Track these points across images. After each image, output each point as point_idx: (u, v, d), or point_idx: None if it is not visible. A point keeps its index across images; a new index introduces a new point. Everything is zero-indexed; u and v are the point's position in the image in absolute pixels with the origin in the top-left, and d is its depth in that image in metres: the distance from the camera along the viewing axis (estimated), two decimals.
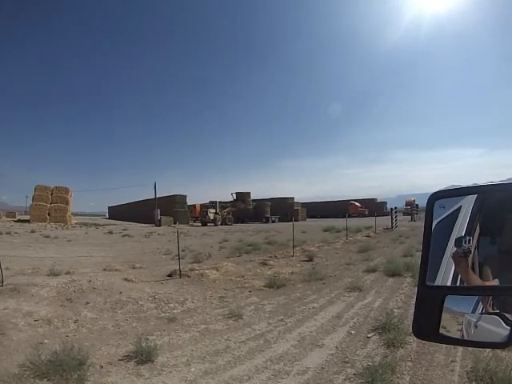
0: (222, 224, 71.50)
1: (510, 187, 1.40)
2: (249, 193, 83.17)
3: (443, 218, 1.56)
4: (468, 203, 1.51)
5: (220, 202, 79.15)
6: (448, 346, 7.30)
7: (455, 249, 1.48)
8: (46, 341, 8.82)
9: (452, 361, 7.29)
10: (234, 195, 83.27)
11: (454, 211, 1.54)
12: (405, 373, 6.98)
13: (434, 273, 1.51)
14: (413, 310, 1.59)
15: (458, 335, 1.50)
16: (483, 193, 1.50)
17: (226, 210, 77.32)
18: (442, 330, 1.50)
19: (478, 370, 6.47)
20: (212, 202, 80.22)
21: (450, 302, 1.48)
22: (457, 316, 1.49)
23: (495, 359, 6.57)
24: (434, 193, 1.60)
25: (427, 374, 6.92)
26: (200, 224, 75.75)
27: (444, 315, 1.48)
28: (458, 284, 1.48)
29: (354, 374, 6.98)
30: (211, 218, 73.68)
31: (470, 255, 1.46)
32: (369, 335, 9.03)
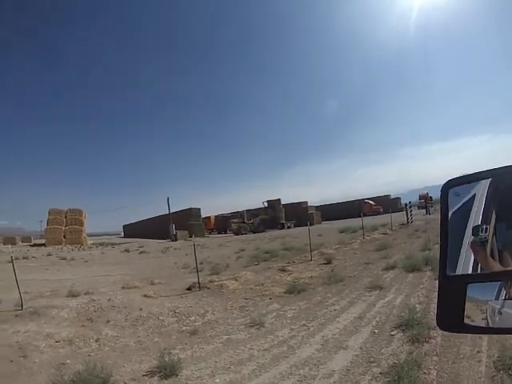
0: (254, 232, 71.31)
1: None
2: (279, 199, 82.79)
3: (459, 207, 1.52)
4: (482, 190, 1.47)
5: (249, 210, 79.31)
6: (473, 336, 7.23)
7: (473, 238, 1.44)
8: (68, 361, 8.84)
9: (478, 351, 7.23)
10: (266, 203, 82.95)
11: (468, 199, 1.50)
12: (431, 367, 6.92)
13: (454, 262, 1.47)
14: (435, 304, 1.55)
15: (483, 323, 1.45)
16: (496, 176, 1.45)
17: (258, 218, 77.30)
18: (466, 320, 1.45)
19: (505, 358, 6.41)
20: (238, 212, 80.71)
21: (472, 291, 1.43)
22: (480, 304, 1.45)
23: None
24: (448, 181, 1.57)
25: (454, 366, 6.86)
26: (213, 235, 76.91)
27: (467, 304, 1.43)
28: (478, 271, 1.43)
29: (381, 373, 6.93)
30: (234, 227, 73.97)
31: (488, 243, 1.41)
32: (392, 333, 8.96)
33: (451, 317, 1.49)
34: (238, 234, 69.94)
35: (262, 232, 70.34)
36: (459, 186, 1.54)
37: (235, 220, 76.95)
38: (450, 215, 1.54)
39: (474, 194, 1.49)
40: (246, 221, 75.58)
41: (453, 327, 1.58)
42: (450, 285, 1.49)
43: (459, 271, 1.45)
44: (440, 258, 1.52)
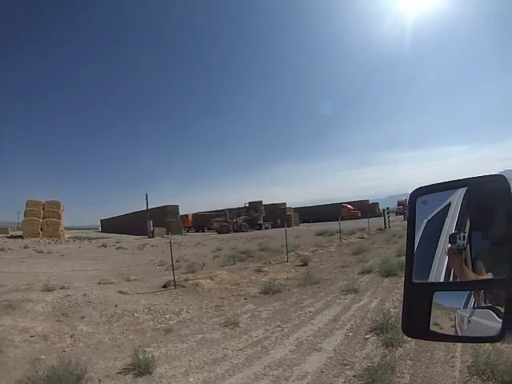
0: (236, 231, 71.35)
1: (493, 178, 1.40)
2: (261, 201, 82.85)
3: (433, 215, 1.56)
4: (457, 199, 1.50)
5: (232, 210, 79.18)
6: (448, 342, 7.33)
7: (449, 245, 1.47)
8: (43, 356, 8.77)
9: (452, 357, 7.30)
10: (247, 204, 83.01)
11: (443, 207, 1.53)
12: (405, 371, 6.99)
13: (426, 270, 1.50)
14: None
15: (451, 331, 1.49)
16: (472, 185, 1.49)
17: (241, 218, 77.34)
18: (434, 328, 1.49)
19: (479, 364, 6.51)
20: (217, 211, 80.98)
21: (441, 299, 1.47)
22: (449, 312, 1.49)
23: (495, 352, 6.59)
24: (416, 189, 1.60)
25: (427, 371, 6.93)
26: (190, 233, 77.29)
27: (436, 312, 1.48)
28: (451, 280, 1.48)
29: (354, 376, 6.98)
30: (217, 226, 74.17)
31: (464, 251, 1.45)
32: (367, 336, 9.03)
33: (417, 324, 1.52)
34: (220, 233, 69.76)
35: (244, 232, 70.45)
36: (431, 194, 1.58)
37: (218, 219, 77.25)
38: (424, 223, 1.57)
39: (450, 203, 1.52)
40: (228, 220, 75.63)
41: (418, 334, 1.62)
42: (416, 292, 1.53)
43: (432, 279, 1.49)
44: (406, 266, 1.56)
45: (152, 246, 45.81)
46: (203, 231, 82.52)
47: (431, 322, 1.48)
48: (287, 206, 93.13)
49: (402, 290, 1.58)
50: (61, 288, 15.49)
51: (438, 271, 1.48)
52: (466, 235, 1.45)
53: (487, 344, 6.59)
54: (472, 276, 1.43)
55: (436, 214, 1.55)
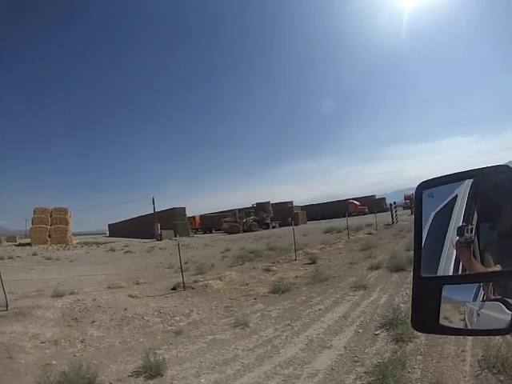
0: (245, 231, 70.93)
1: (499, 169, 1.38)
2: (269, 202, 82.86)
3: (440, 208, 1.54)
4: (464, 191, 1.48)
5: (241, 210, 79.08)
6: (458, 336, 7.27)
7: (457, 238, 1.45)
8: (53, 362, 8.80)
9: (462, 351, 7.25)
10: (255, 205, 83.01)
11: (450, 200, 1.51)
12: (415, 367, 6.95)
13: (435, 263, 1.49)
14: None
15: (460, 325, 1.47)
16: (471, 178, 1.47)
17: (251, 218, 77.36)
18: (443, 321, 1.47)
19: (489, 357, 6.46)
20: (229, 211, 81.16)
21: (450, 292, 1.45)
22: (458, 305, 1.47)
23: (506, 345, 6.56)
24: (422, 183, 1.58)
25: (438, 366, 6.88)
26: (198, 234, 77.54)
27: (445, 306, 1.46)
28: (459, 273, 1.46)
29: (365, 373, 6.95)
30: (226, 227, 74.30)
31: (472, 244, 1.43)
32: (377, 332, 8.99)
33: (426, 318, 1.51)
34: (230, 233, 69.80)
35: (254, 231, 70.37)
36: (437, 187, 1.56)
37: (227, 219, 77.15)
38: (431, 216, 1.55)
39: (456, 195, 1.50)
40: (237, 220, 75.63)
41: (428, 328, 1.60)
42: (425, 286, 1.52)
43: (440, 272, 1.47)
44: (414, 260, 1.55)
45: (160, 248, 45.82)
46: (210, 232, 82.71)
47: (441, 316, 1.46)
48: (295, 204, 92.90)
49: (411, 285, 1.56)
50: (70, 293, 15.51)
51: (447, 264, 1.47)
52: (474, 227, 1.43)
53: (497, 337, 6.55)
54: (481, 268, 1.41)
55: (443, 207, 1.54)
